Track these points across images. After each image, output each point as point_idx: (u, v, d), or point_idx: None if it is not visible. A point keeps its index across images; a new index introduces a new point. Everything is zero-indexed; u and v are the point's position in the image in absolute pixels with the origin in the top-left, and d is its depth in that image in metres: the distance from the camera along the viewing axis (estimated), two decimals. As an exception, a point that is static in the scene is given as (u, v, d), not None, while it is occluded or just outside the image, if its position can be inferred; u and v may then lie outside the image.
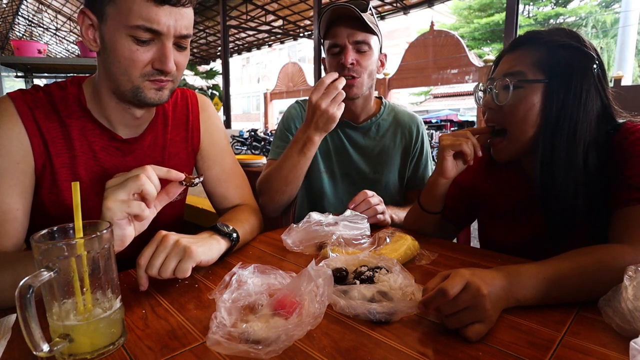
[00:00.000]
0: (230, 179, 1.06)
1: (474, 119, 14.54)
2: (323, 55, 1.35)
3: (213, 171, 1.04)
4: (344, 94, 1.02)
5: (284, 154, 1.11)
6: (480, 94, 0.91)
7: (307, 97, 1.51)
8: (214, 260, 0.76)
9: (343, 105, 1.02)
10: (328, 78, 1.02)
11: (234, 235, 0.83)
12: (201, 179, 0.74)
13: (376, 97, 1.41)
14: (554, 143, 0.78)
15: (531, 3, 18.13)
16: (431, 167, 1.41)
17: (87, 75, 0.87)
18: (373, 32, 1.21)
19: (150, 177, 0.66)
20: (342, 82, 1.02)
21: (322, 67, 1.39)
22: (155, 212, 0.71)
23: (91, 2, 0.74)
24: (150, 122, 0.91)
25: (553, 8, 17.46)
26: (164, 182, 0.70)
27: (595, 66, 0.78)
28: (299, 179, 1.13)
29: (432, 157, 1.42)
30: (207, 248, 0.74)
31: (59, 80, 0.86)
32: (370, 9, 1.21)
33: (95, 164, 0.84)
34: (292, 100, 1.46)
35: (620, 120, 0.81)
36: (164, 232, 0.70)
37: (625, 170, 0.74)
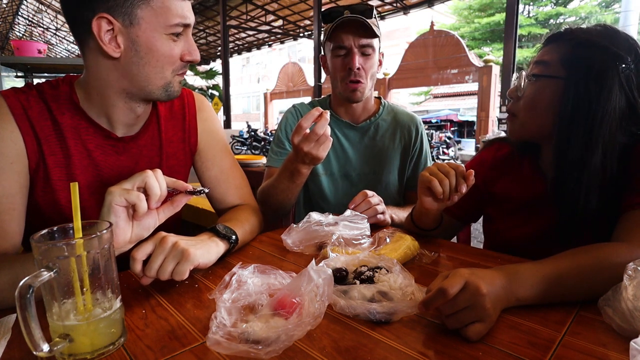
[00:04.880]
0: (229, 179, 1.05)
1: (474, 119, 14.53)
2: (322, 53, 1.36)
3: (212, 172, 1.03)
4: (329, 133, 0.93)
5: (277, 177, 1.11)
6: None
7: (304, 100, 1.52)
8: (212, 263, 0.76)
9: (329, 143, 0.95)
10: (306, 121, 0.92)
11: (233, 237, 0.83)
12: (207, 190, 0.75)
13: (375, 97, 1.42)
14: (569, 141, 0.78)
15: (531, 3, 18.12)
16: (431, 160, 1.41)
17: (79, 74, 0.85)
18: (376, 36, 1.24)
19: (156, 175, 0.68)
20: (326, 120, 0.91)
21: (321, 65, 1.39)
22: (157, 221, 0.72)
23: (112, 7, 0.72)
24: (145, 122, 0.91)
25: (553, 7, 17.45)
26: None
27: (624, 66, 0.75)
28: (292, 200, 1.15)
29: (432, 157, 1.42)
30: (206, 251, 0.73)
31: (50, 79, 0.85)
32: (374, 13, 1.24)
33: (90, 163, 0.83)
34: (292, 101, 1.47)
35: None
36: (163, 234, 0.70)
37: (634, 176, 0.76)
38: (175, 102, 0.97)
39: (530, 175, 0.95)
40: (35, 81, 0.86)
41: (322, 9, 1.45)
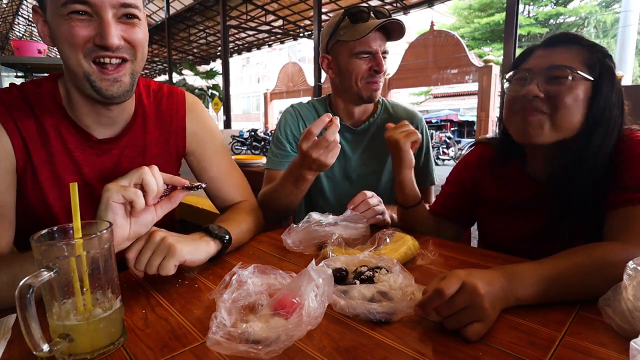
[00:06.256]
0: (229, 178, 1.04)
1: (474, 119, 14.54)
2: (324, 52, 1.31)
3: (210, 173, 1.02)
4: (338, 141, 0.92)
5: (280, 182, 1.10)
6: (507, 84, 0.88)
7: (303, 99, 1.50)
8: (202, 261, 0.75)
9: (338, 150, 0.94)
10: (316, 127, 0.90)
11: (226, 237, 0.82)
12: (204, 185, 0.75)
13: None
14: (589, 140, 0.79)
15: (531, 3, 18.12)
16: (432, 165, 1.40)
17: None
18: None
19: (153, 172, 0.68)
20: (337, 126, 0.90)
21: (323, 65, 1.32)
22: (155, 218, 0.71)
23: None
24: (129, 122, 0.89)
25: (553, 7, 17.45)
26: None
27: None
28: (296, 204, 1.14)
29: (433, 157, 1.42)
30: (194, 248, 0.73)
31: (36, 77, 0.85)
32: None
33: (71, 162, 0.82)
34: (292, 101, 1.45)
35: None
36: (153, 229, 0.70)
37: (619, 173, 0.77)
38: (164, 101, 0.96)
39: (518, 178, 0.95)
40: (45, 76, 0.85)
41: (348, 7, 1.37)
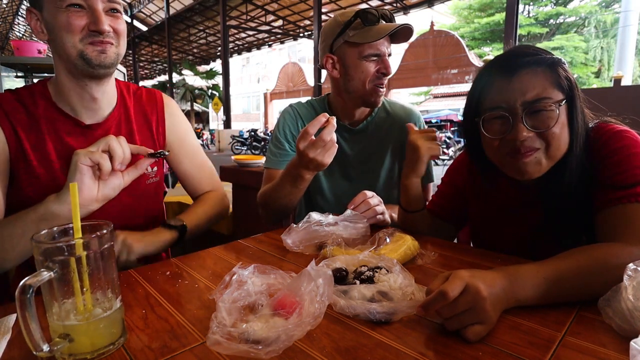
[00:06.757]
0: (200, 171, 1.16)
1: (474, 118, 14.53)
2: (327, 53, 1.29)
3: (183, 165, 1.13)
4: (334, 140, 0.93)
5: (279, 182, 1.11)
6: (481, 123, 0.83)
7: (302, 99, 1.49)
8: (160, 250, 0.91)
9: (335, 150, 0.95)
10: (312, 127, 0.91)
11: (180, 226, 0.97)
12: (166, 152, 0.88)
13: None
14: (574, 150, 0.79)
15: (531, 3, 18.12)
16: (431, 163, 1.40)
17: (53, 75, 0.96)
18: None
19: (119, 140, 0.78)
20: (333, 126, 0.91)
21: (327, 65, 1.29)
22: (122, 183, 0.81)
23: (32, 0, 0.87)
24: (112, 111, 0.98)
25: (553, 7, 17.45)
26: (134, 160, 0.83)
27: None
28: (295, 203, 1.14)
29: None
30: (148, 244, 0.88)
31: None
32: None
33: (62, 147, 0.91)
34: (292, 101, 1.44)
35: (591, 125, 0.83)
36: (117, 232, 0.83)
37: (602, 172, 0.76)
38: (144, 97, 1.07)
39: (507, 183, 0.94)
40: (35, 82, 0.97)
41: (359, 10, 1.35)
